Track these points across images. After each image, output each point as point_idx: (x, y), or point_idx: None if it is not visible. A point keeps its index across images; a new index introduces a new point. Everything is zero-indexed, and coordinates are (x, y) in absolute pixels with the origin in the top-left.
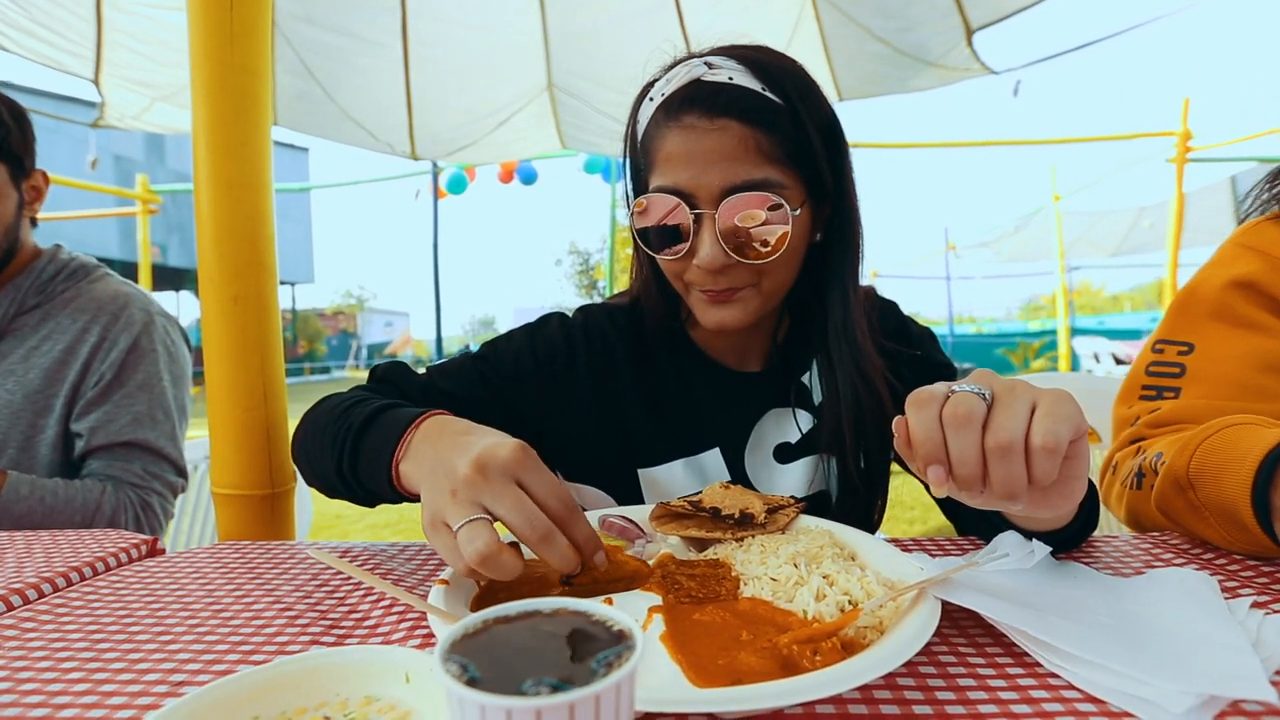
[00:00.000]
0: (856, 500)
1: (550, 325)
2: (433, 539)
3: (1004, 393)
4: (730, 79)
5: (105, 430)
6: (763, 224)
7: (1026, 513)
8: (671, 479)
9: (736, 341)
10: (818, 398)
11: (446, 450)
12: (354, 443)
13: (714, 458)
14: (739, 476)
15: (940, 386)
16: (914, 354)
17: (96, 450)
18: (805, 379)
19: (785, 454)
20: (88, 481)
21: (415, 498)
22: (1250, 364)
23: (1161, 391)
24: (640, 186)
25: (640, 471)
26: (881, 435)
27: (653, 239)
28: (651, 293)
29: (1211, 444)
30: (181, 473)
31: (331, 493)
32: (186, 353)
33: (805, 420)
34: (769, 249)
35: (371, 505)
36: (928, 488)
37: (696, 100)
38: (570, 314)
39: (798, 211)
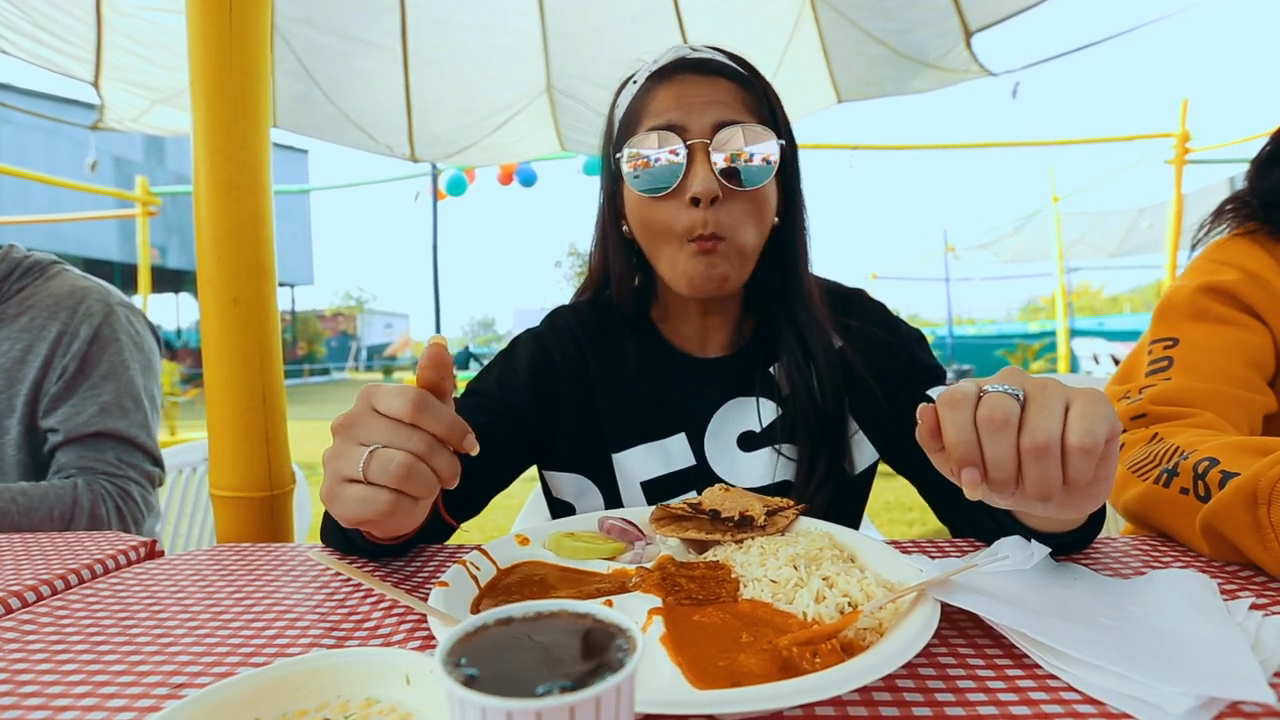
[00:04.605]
0: (823, 492)
1: (520, 347)
2: (344, 499)
3: (1037, 392)
4: (711, 56)
5: (73, 422)
6: (751, 157)
7: (1050, 514)
8: (634, 463)
9: (700, 327)
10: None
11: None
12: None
13: (679, 442)
14: (701, 462)
15: (970, 385)
16: (885, 338)
17: (66, 444)
18: (773, 370)
19: (749, 442)
20: (55, 481)
21: (379, 543)
22: (1235, 356)
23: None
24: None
25: (613, 456)
26: (844, 427)
27: (644, 179)
28: (626, 282)
29: None
30: (158, 462)
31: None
32: (153, 342)
33: (771, 410)
34: (758, 177)
35: (385, 550)
36: (924, 489)
37: (687, 65)
38: (534, 327)
39: (777, 156)
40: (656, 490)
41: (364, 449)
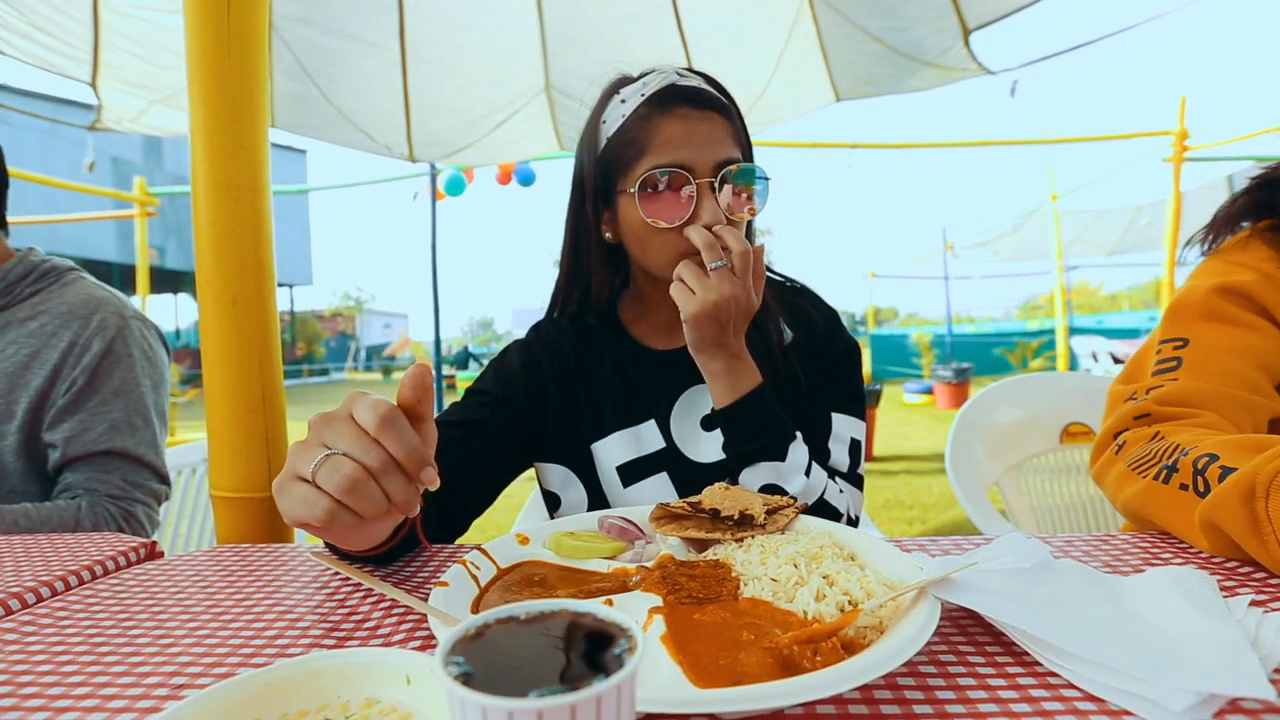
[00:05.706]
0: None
1: (511, 352)
2: (288, 496)
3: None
4: (701, 86)
5: (81, 439)
6: (746, 191)
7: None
8: (610, 450)
9: (668, 321)
10: None
11: None
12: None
13: (649, 428)
14: (670, 444)
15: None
16: (824, 343)
17: (73, 461)
18: None
19: (710, 422)
20: (59, 502)
21: (347, 551)
22: (1245, 358)
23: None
24: (615, 176)
25: (592, 446)
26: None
27: (655, 213)
28: (606, 284)
29: None
30: (165, 480)
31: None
32: (165, 357)
33: None
34: (750, 210)
35: (363, 559)
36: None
37: (682, 96)
38: (522, 338)
39: (761, 187)
40: (630, 472)
41: (323, 450)
